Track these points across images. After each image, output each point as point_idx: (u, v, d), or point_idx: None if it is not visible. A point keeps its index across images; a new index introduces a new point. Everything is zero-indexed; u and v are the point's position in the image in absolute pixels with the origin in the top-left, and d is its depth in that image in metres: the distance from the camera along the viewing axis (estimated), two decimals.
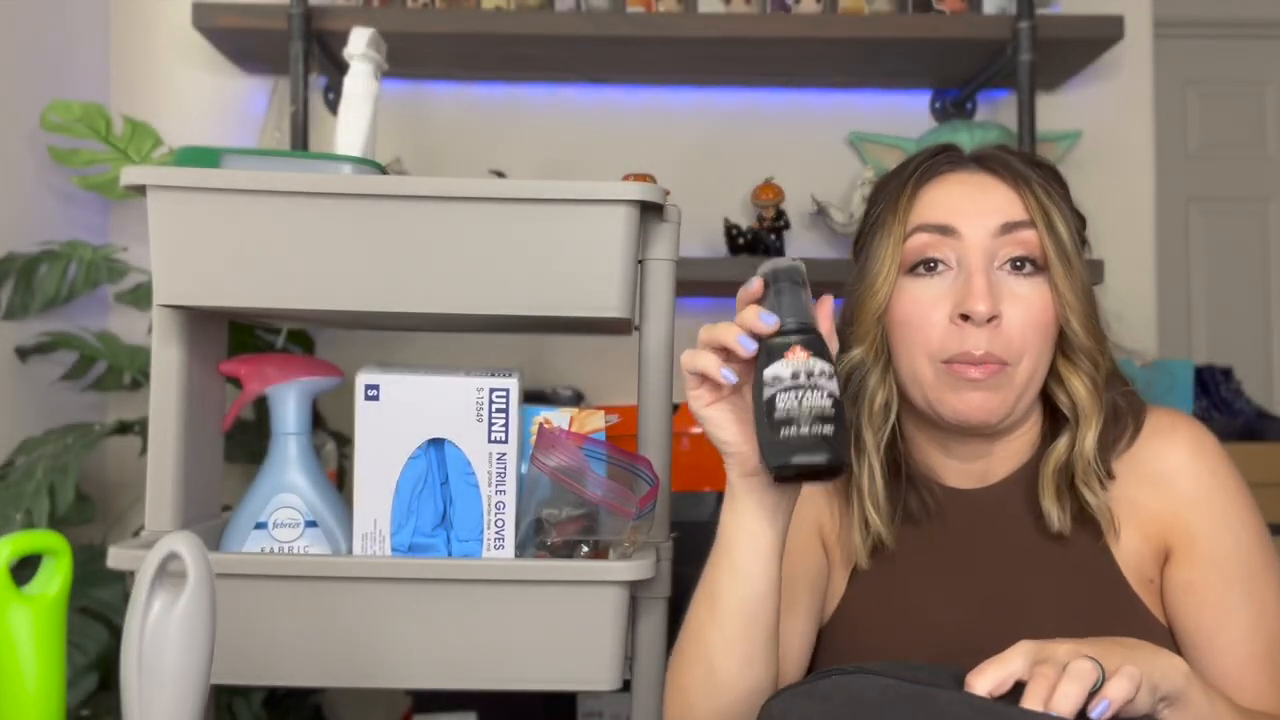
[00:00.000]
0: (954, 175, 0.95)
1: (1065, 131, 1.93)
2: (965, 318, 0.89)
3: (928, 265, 0.92)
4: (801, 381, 0.76)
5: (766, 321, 0.78)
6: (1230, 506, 0.92)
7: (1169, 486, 0.93)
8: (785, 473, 0.76)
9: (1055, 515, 0.92)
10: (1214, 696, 0.81)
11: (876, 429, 0.96)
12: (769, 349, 0.77)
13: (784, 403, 0.76)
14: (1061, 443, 0.93)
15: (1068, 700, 0.69)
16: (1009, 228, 0.91)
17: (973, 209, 0.92)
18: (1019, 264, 0.91)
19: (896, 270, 0.93)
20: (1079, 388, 0.92)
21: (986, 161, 0.95)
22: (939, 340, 0.91)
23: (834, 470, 0.76)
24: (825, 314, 0.82)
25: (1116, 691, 0.70)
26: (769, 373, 0.77)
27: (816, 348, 0.78)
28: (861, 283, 0.95)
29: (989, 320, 0.89)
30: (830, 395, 0.76)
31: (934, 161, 0.96)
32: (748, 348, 0.78)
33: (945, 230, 0.91)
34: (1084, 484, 0.91)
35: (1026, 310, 0.90)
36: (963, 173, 0.95)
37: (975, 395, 0.91)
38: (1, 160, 1.65)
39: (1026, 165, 0.95)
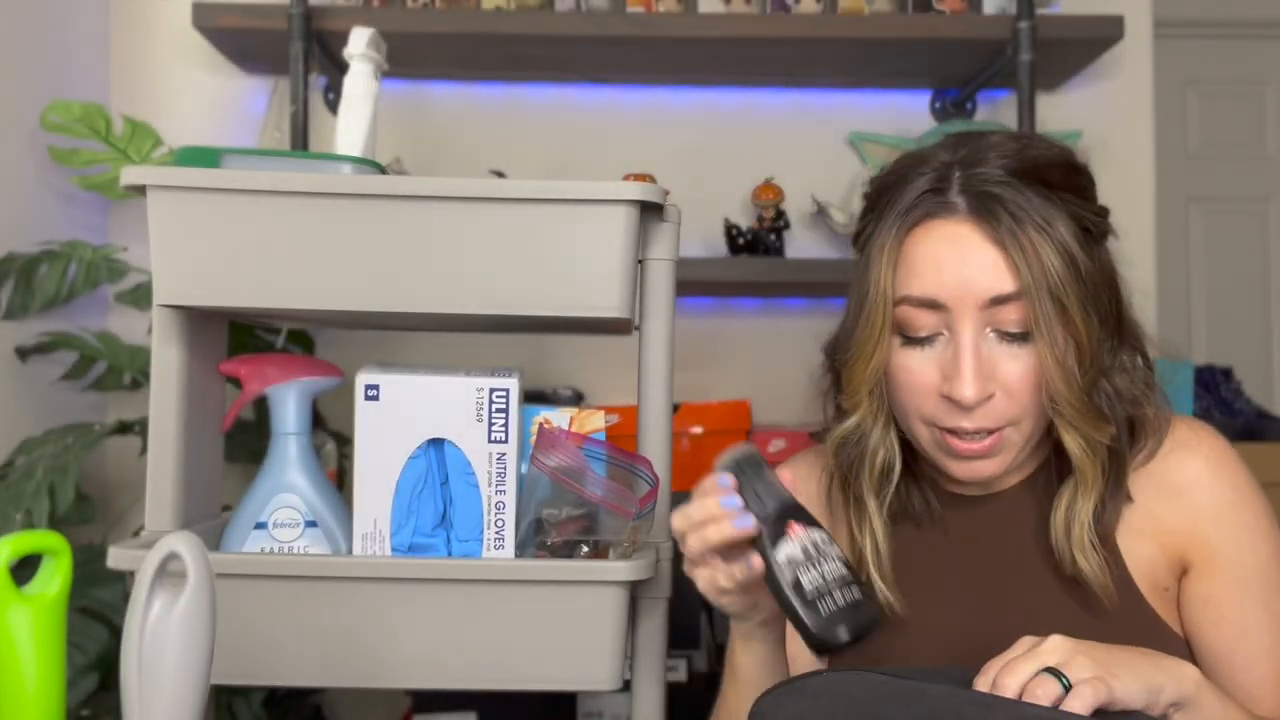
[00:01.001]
0: (941, 226, 0.87)
1: (1065, 132, 1.93)
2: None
3: (917, 338, 0.89)
4: (813, 554, 0.82)
5: (743, 525, 0.82)
6: (1251, 521, 0.91)
7: (1189, 499, 0.91)
8: (838, 645, 0.80)
9: (1067, 560, 0.90)
10: (1228, 703, 0.81)
11: (878, 491, 0.94)
12: (769, 535, 0.82)
13: (809, 580, 0.80)
14: (1067, 492, 0.91)
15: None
16: (998, 300, 0.86)
17: (960, 277, 0.86)
18: (1009, 335, 0.87)
19: (887, 342, 0.89)
20: (1073, 446, 0.88)
21: (977, 206, 0.87)
22: (931, 411, 0.89)
23: (875, 624, 0.82)
24: (790, 484, 0.87)
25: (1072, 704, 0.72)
26: (781, 555, 0.81)
27: (806, 518, 0.84)
28: (851, 347, 0.92)
29: (980, 402, 0.87)
30: (839, 557, 0.83)
31: (921, 202, 0.89)
32: (746, 524, 0.82)
33: (932, 305, 0.87)
34: (1079, 550, 0.89)
35: (1020, 378, 0.87)
36: (951, 223, 0.87)
37: (974, 464, 0.90)
38: (1, 160, 1.65)
39: (1027, 187, 0.87)
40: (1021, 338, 0.87)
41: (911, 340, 0.89)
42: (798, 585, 0.80)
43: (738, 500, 0.83)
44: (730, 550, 0.84)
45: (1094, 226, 0.91)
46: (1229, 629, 0.90)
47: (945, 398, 0.87)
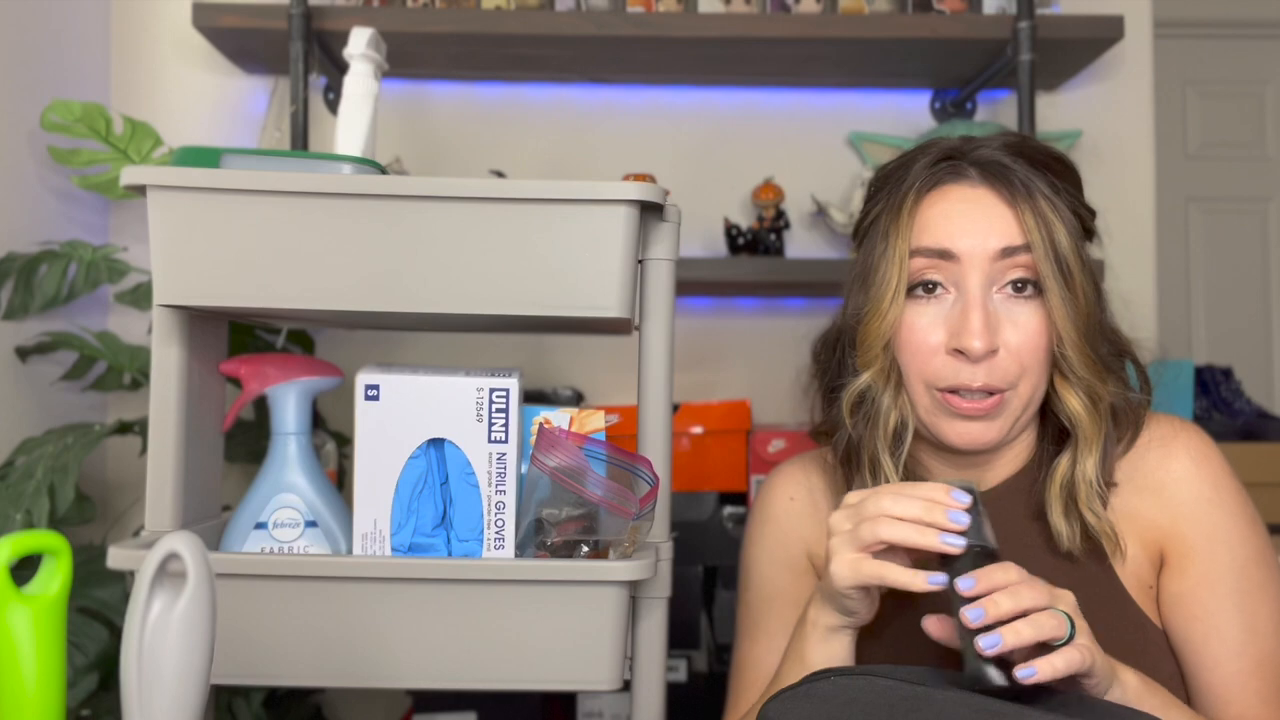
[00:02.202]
0: (955, 189, 0.92)
1: (1065, 131, 1.93)
2: (962, 351, 0.89)
3: (926, 287, 0.91)
4: None
5: (950, 542, 0.78)
6: (1229, 520, 0.91)
7: (1168, 496, 0.92)
8: (988, 687, 0.74)
9: (1065, 534, 0.91)
10: (1171, 708, 0.82)
11: (893, 452, 0.95)
12: (965, 566, 0.78)
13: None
14: (1064, 460, 0.92)
15: (1017, 637, 0.71)
16: (1008, 252, 0.89)
17: (971, 230, 0.90)
18: (1019, 285, 0.90)
19: (902, 297, 0.91)
20: (1077, 408, 0.90)
21: (989, 173, 0.92)
22: (935, 369, 0.90)
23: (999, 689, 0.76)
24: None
25: (1059, 662, 0.71)
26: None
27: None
28: (865, 305, 0.93)
29: (986, 355, 0.88)
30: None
31: (935, 171, 0.93)
32: (955, 544, 0.78)
33: (944, 254, 0.90)
34: (1086, 506, 0.90)
35: (1024, 336, 0.89)
36: (964, 186, 0.92)
37: (972, 426, 0.91)
38: (1, 160, 1.65)
39: (1032, 169, 0.92)
40: (1027, 296, 0.90)
41: (919, 294, 0.91)
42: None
43: (967, 520, 0.79)
44: (892, 552, 0.81)
45: (1087, 221, 0.95)
46: (1199, 627, 0.90)
47: (953, 352, 0.89)
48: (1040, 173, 0.92)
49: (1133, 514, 0.92)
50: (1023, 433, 0.95)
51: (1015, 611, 0.72)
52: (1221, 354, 2.64)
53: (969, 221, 0.90)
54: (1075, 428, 0.91)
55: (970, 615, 0.73)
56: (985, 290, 0.89)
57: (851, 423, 0.96)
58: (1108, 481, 0.92)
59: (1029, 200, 0.90)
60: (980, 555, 0.78)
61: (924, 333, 0.91)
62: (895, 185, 0.95)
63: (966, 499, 0.80)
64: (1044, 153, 0.94)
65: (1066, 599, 0.76)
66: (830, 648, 0.89)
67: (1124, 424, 0.94)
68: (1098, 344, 0.92)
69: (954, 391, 0.90)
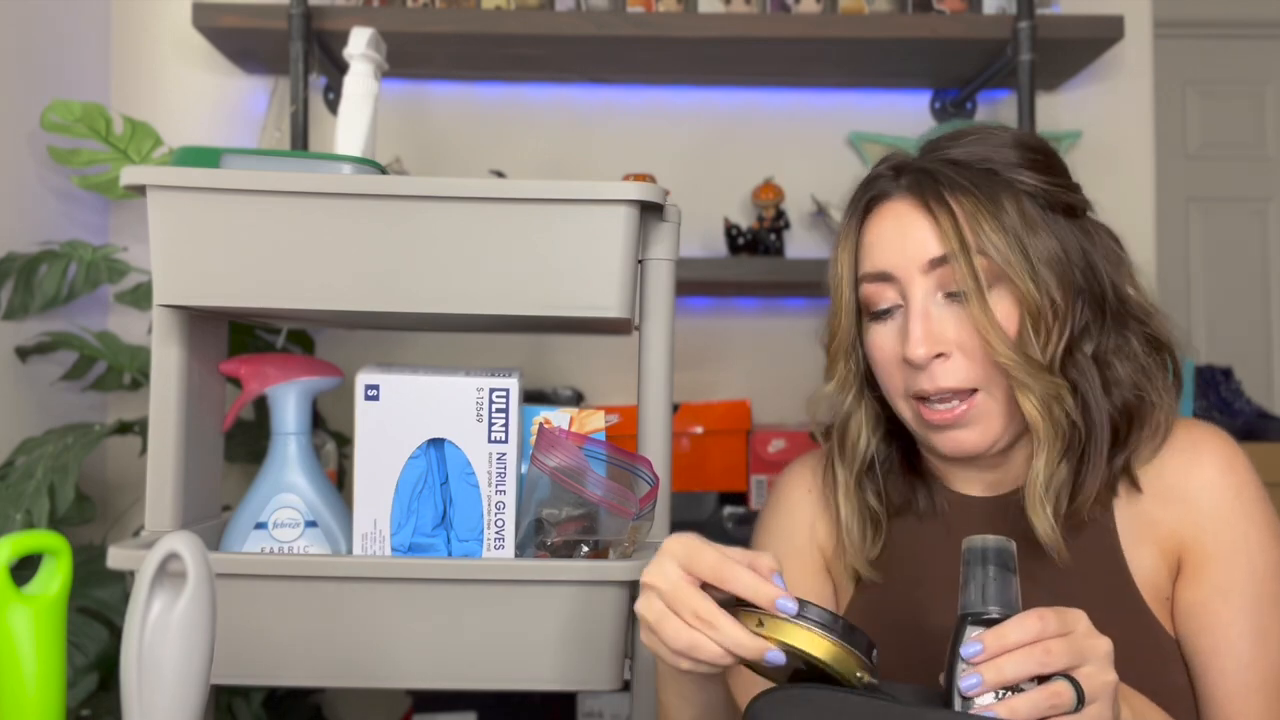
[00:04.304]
0: (889, 205, 0.93)
1: (1065, 131, 1.93)
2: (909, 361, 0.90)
3: (880, 311, 0.93)
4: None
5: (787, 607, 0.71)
6: (1250, 530, 0.90)
7: (1189, 504, 0.91)
8: None
9: (1043, 530, 0.89)
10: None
11: (850, 462, 0.97)
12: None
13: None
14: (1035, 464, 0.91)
15: (1012, 715, 0.67)
16: (935, 263, 0.90)
17: (899, 247, 0.91)
18: (953, 295, 0.90)
19: (854, 317, 0.95)
20: (1028, 407, 0.88)
21: (914, 184, 0.92)
22: (901, 381, 0.92)
23: None
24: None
25: None
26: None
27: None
28: (825, 327, 0.99)
29: (935, 358, 0.89)
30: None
31: (872, 183, 0.96)
32: (788, 610, 0.71)
33: (883, 277, 0.92)
34: (1031, 508, 0.89)
35: (972, 338, 0.89)
36: (896, 201, 0.93)
37: (955, 434, 0.91)
38: (1, 160, 1.65)
39: (965, 168, 0.91)
40: (963, 302, 0.89)
41: (876, 316, 0.94)
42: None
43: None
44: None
45: (1045, 199, 0.92)
46: (1210, 637, 0.89)
47: (905, 362, 0.91)
48: (981, 165, 0.91)
49: (1154, 522, 0.91)
50: (1028, 435, 0.94)
51: (1022, 677, 0.67)
52: (1221, 354, 2.63)
53: (898, 238, 0.92)
54: (1030, 427, 0.89)
55: (963, 684, 0.68)
56: (926, 299, 0.90)
57: (822, 436, 1.00)
58: (1090, 492, 0.90)
59: (950, 200, 0.89)
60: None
61: (883, 349, 0.93)
62: (850, 205, 0.98)
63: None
64: (993, 141, 0.93)
65: (1099, 650, 0.69)
66: (679, 684, 0.82)
67: (1141, 425, 0.92)
68: (1078, 354, 0.90)
69: (925, 401, 0.91)
